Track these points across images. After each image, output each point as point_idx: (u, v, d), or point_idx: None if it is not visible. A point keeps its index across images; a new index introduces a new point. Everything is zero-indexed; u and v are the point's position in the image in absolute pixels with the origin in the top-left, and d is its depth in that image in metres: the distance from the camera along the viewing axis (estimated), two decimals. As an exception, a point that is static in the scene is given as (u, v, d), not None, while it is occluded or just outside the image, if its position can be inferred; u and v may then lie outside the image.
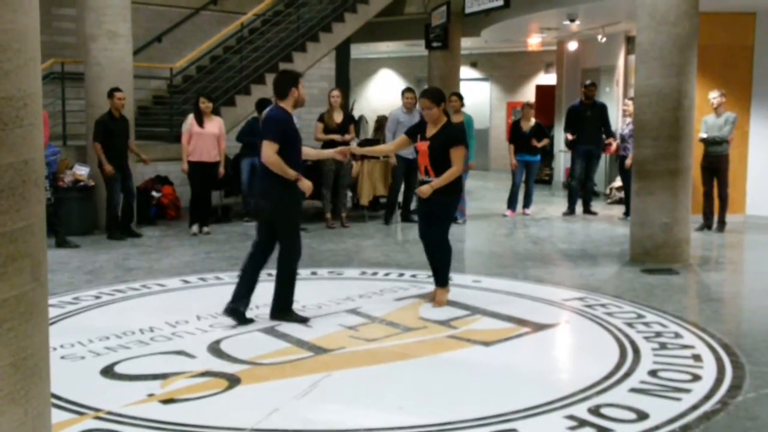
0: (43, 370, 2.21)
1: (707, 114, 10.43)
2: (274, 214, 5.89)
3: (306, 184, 5.81)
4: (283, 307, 5.97)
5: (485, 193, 12.48)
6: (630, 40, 13.91)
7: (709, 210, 10.47)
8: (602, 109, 12.38)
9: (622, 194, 12.89)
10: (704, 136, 10.30)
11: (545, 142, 12.37)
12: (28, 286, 2.10)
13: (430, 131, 6.39)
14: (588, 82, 12.80)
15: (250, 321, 5.87)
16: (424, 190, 6.28)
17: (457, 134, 6.34)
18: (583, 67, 16.20)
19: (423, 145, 6.37)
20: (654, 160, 8.20)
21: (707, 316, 6.28)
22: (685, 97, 8.15)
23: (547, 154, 16.84)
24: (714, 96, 10.29)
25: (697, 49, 8.27)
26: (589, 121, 12.19)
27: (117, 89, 9.74)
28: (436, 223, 6.48)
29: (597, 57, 15.77)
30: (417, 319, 6.04)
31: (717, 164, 10.35)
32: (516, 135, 12.29)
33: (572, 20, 13.44)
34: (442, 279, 6.55)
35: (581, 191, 12.46)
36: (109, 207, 9.79)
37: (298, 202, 5.99)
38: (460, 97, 11.26)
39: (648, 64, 8.19)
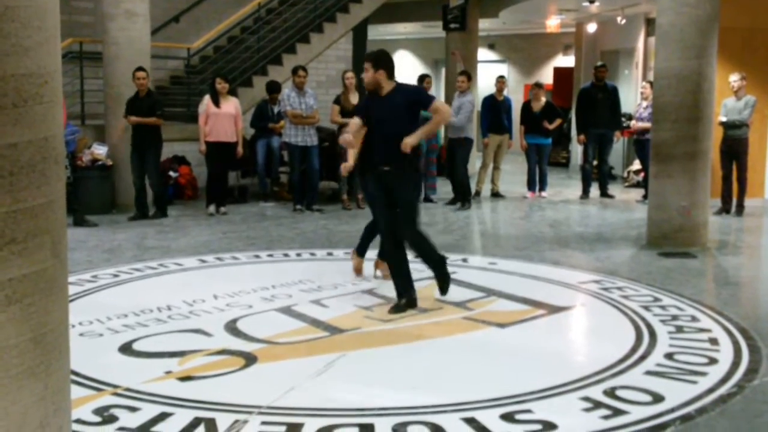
0: (63, 346, 2.23)
1: (727, 97, 10.32)
2: None
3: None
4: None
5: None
6: (650, 22, 13.78)
7: (727, 194, 10.39)
8: (614, 92, 12.16)
9: (639, 177, 12.80)
10: (724, 119, 10.19)
11: (557, 123, 12.28)
12: (48, 262, 2.12)
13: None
14: (599, 63, 12.64)
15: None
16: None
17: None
18: (602, 49, 16.07)
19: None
20: (673, 143, 8.13)
21: (724, 300, 6.25)
22: (704, 80, 8.06)
23: (564, 136, 16.76)
24: (734, 79, 10.17)
25: (717, 31, 8.17)
26: (600, 103, 11.97)
27: (138, 69, 9.77)
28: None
29: (616, 39, 15.64)
30: (432, 301, 6.05)
31: (736, 148, 10.25)
32: (526, 116, 12.22)
33: (591, 1, 13.35)
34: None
35: (596, 175, 12.37)
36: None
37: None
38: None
39: (668, 46, 8.10)
